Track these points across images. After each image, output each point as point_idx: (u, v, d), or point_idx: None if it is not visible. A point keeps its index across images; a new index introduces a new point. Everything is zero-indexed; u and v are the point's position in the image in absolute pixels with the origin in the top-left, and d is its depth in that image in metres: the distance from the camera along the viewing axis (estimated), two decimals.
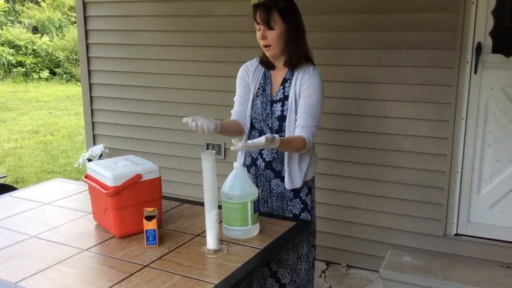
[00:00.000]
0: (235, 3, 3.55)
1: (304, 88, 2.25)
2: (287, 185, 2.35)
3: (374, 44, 3.23)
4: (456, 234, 3.25)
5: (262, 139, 1.98)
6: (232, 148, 2.00)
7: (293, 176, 2.34)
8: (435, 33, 3.06)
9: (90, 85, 4.34)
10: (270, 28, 2.21)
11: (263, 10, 2.20)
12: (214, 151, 1.84)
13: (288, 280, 2.43)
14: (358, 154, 3.39)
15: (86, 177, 2.14)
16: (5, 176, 4.31)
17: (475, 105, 3.08)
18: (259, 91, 2.38)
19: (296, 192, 2.39)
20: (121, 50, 4.15)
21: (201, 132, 2.12)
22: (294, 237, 2.14)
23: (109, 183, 1.94)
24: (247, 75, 2.43)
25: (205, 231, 1.88)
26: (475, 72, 3.03)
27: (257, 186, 2.43)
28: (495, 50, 2.99)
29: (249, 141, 2.02)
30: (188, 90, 3.91)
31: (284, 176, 2.37)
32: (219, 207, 1.94)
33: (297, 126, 2.26)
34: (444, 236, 3.25)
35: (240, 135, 2.46)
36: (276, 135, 2.06)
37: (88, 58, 4.30)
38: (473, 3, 2.96)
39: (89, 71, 4.32)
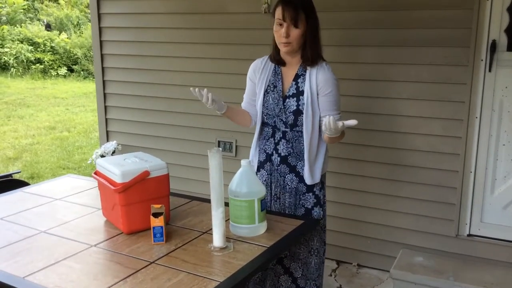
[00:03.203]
0: (248, 0, 3.54)
1: (321, 86, 2.29)
2: (308, 180, 2.37)
3: (388, 41, 3.19)
4: (469, 235, 3.21)
5: (349, 122, 2.04)
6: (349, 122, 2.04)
7: (313, 171, 2.36)
8: (449, 30, 3.02)
9: (104, 82, 4.37)
10: (296, 26, 2.23)
11: (292, 9, 2.21)
12: (221, 149, 1.83)
13: (300, 274, 2.45)
14: (371, 152, 3.37)
15: (95, 173, 2.16)
16: (19, 172, 4.37)
17: (489, 104, 3.03)
18: (269, 87, 2.39)
19: (309, 186, 2.40)
20: (134, 47, 4.18)
21: (210, 104, 2.30)
22: (302, 235, 2.13)
23: (117, 179, 1.95)
24: (254, 75, 2.47)
25: (212, 228, 1.88)
26: (490, 70, 2.98)
27: (270, 182, 2.45)
28: (510, 48, 2.94)
29: (344, 122, 2.07)
30: (200, 88, 3.90)
31: (298, 171, 2.39)
32: (226, 204, 1.94)
33: None
34: (457, 237, 3.22)
35: (247, 125, 2.54)
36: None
37: (102, 56, 4.33)
38: (488, 0, 2.92)
39: (102, 68, 4.35)
